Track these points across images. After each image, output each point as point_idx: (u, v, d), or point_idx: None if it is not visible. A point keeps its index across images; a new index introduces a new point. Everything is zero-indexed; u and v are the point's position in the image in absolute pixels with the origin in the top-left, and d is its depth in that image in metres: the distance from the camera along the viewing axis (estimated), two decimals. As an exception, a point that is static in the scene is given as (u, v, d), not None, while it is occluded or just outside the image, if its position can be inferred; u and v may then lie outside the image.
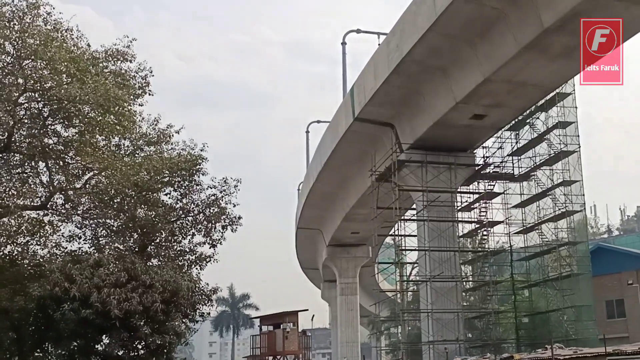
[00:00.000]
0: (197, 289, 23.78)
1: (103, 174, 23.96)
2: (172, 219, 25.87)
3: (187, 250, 26.59)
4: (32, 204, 25.66)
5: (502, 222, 36.80)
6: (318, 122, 57.80)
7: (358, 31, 46.50)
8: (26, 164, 25.21)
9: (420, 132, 34.77)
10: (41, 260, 25.72)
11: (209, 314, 25.27)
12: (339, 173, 44.80)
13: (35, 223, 26.35)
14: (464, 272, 36.52)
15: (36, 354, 23.51)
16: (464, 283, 35.42)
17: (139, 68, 25.48)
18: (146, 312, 21.24)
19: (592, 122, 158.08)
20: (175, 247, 26.47)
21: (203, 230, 25.90)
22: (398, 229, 37.02)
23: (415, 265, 57.37)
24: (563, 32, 25.87)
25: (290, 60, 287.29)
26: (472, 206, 38.11)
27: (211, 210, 25.83)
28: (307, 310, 50.66)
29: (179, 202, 26.27)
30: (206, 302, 24.44)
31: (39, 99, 23.53)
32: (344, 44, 46.09)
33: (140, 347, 22.16)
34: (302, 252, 66.24)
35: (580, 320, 33.28)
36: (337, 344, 57.00)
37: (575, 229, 34.94)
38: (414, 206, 38.57)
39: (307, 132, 59.98)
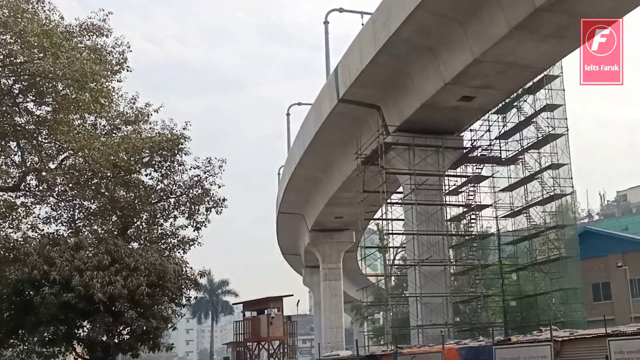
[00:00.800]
0: (183, 272, 22.94)
1: (80, 153, 22.81)
2: (154, 201, 24.90)
3: (169, 234, 25.68)
4: (5, 185, 24.53)
5: (490, 205, 36.37)
6: (299, 104, 56.96)
7: (341, 10, 45.56)
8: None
9: (407, 114, 34.12)
10: (15, 243, 24.61)
11: (195, 298, 24.41)
12: (322, 156, 44.05)
13: (7, 205, 25.22)
14: (451, 257, 36.00)
15: (12, 341, 22.50)
16: (452, 267, 34.93)
17: (115, 43, 24.33)
18: (131, 296, 20.42)
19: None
20: (157, 230, 25.53)
21: (186, 212, 24.99)
22: (385, 213, 36.31)
23: (400, 250, 57.35)
24: (555, 11, 25.33)
25: (264, 43, 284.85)
26: (460, 190, 37.63)
27: (194, 192, 24.90)
28: (292, 295, 50.12)
29: (160, 183, 25.29)
30: (192, 286, 23.59)
31: (10, 75, 22.29)
32: (326, 22, 45.17)
33: (125, 332, 21.34)
34: (284, 237, 65.50)
35: (569, 303, 33.02)
36: (321, 330, 56.50)
37: (563, 212, 34.59)
38: (401, 189, 38.03)
39: (288, 114, 59.12)
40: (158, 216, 25.03)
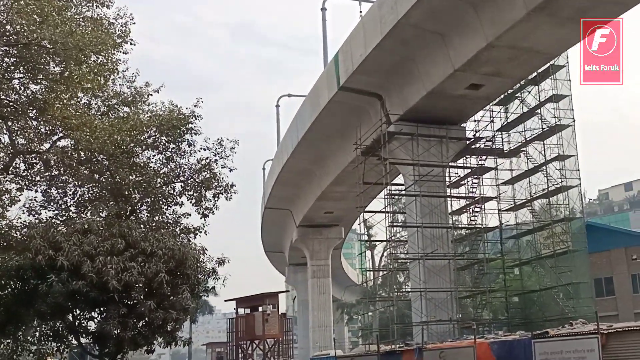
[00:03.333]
0: (203, 258, 21.28)
1: (78, 133, 21.00)
2: (157, 185, 23.15)
3: (171, 222, 24.01)
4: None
5: (495, 198, 35.38)
6: (289, 95, 55.73)
7: (337, -7, 44.18)
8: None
9: (411, 102, 33.03)
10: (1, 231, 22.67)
11: (213, 288, 22.71)
12: (317, 148, 42.76)
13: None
14: (454, 251, 34.93)
15: (10, 332, 20.44)
16: (455, 261, 33.87)
17: (117, 15, 22.74)
18: (148, 285, 18.72)
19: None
20: (158, 218, 23.84)
21: (193, 198, 23.34)
22: (387, 206, 35.09)
23: (394, 245, 56.32)
24: (576, -8, 24.51)
25: (235, 43, 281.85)
26: (461, 182, 36.65)
27: (203, 176, 23.26)
28: (288, 291, 48.63)
29: (164, 166, 23.61)
30: (211, 274, 21.89)
31: (1, 45, 20.49)
32: (323, 9, 43.85)
33: (140, 324, 19.56)
34: (268, 234, 63.99)
35: (577, 297, 32.20)
36: (308, 329, 55.09)
37: (570, 205, 33.79)
38: (399, 181, 36.93)
39: (277, 106, 57.65)
40: (161, 202, 23.33)
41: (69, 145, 22.84)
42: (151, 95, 24.85)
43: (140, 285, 18.43)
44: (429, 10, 27.85)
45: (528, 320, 34.45)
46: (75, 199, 23.82)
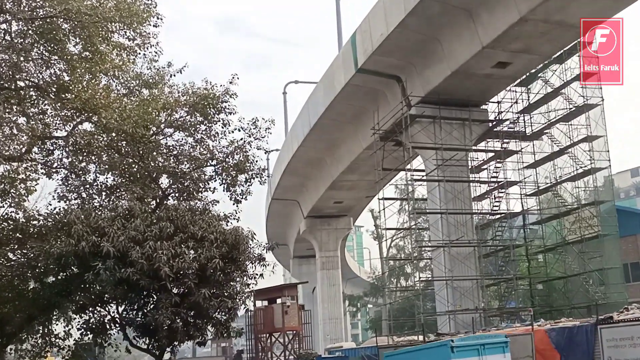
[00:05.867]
0: (252, 244, 19.84)
1: (106, 114, 19.48)
2: (188, 169, 21.64)
3: (200, 209, 22.42)
4: (10, 154, 21.17)
5: (519, 182, 34.18)
6: (296, 82, 54.17)
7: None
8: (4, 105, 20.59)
9: (434, 83, 31.82)
10: (19, 223, 21.19)
11: (262, 275, 21.13)
12: (330, 135, 41.43)
13: (8, 180, 21.81)
14: (479, 237, 33.77)
15: (50, 324, 18.94)
16: (479, 248, 32.70)
17: None
18: (202, 271, 17.31)
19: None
20: (184, 206, 22.28)
21: (225, 183, 21.83)
22: (410, 192, 33.83)
23: (400, 235, 55.17)
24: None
25: (222, 36, 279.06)
26: (483, 167, 35.46)
27: (236, 159, 21.78)
28: (307, 282, 47.25)
29: (193, 149, 22.10)
30: (259, 261, 20.49)
31: (22, 18, 18.88)
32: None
33: (191, 315, 18.07)
34: (273, 226, 62.49)
35: (608, 283, 31.05)
36: (319, 322, 53.79)
37: (601, 188, 32.59)
38: (418, 166, 35.72)
39: (285, 93, 56.17)
40: (191, 187, 21.78)
41: (93, 128, 21.30)
42: (174, 76, 23.33)
43: (193, 271, 17.04)
44: (458, -16, 26.70)
45: (553, 307, 33.37)
46: (97, 186, 22.27)
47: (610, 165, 31.80)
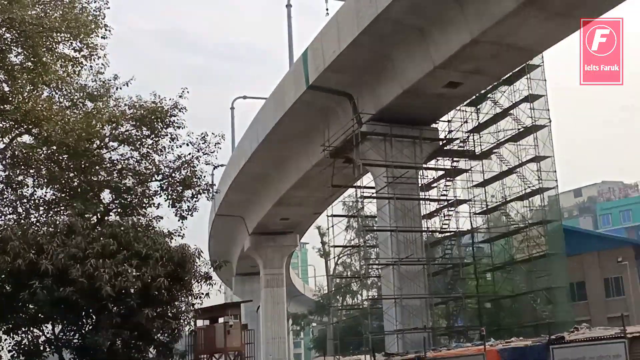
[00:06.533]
0: (198, 262, 19.10)
1: (48, 126, 18.55)
2: (129, 185, 20.81)
3: (144, 225, 21.56)
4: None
5: (469, 201, 34.44)
6: (244, 97, 53.65)
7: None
8: None
9: (385, 101, 31.79)
10: None
11: (207, 294, 20.42)
12: (278, 151, 40.93)
13: None
14: (429, 255, 33.77)
15: None
16: (429, 266, 32.66)
17: None
18: (145, 290, 16.51)
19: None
20: (128, 222, 21.37)
21: (171, 198, 21.10)
22: (359, 210, 33.63)
23: (347, 252, 54.94)
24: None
25: (163, 50, 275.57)
26: (433, 185, 35.59)
27: (183, 174, 21.14)
28: (251, 301, 46.30)
29: (138, 164, 21.31)
30: (206, 280, 19.78)
31: None
32: (289, 6, 42.21)
33: (133, 336, 17.17)
34: (217, 243, 61.24)
35: (556, 302, 31.43)
36: (261, 342, 52.71)
37: (548, 207, 33.08)
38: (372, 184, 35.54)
39: (232, 108, 55.46)
40: (134, 203, 20.98)
41: (33, 140, 20.31)
42: (120, 89, 22.52)
43: (136, 290, 16.25)
44: (411, 4, 26.80)
45: (501, 326, 33.60)
46: (35, 200, 21.17)
47: (557, 186, 32.42)
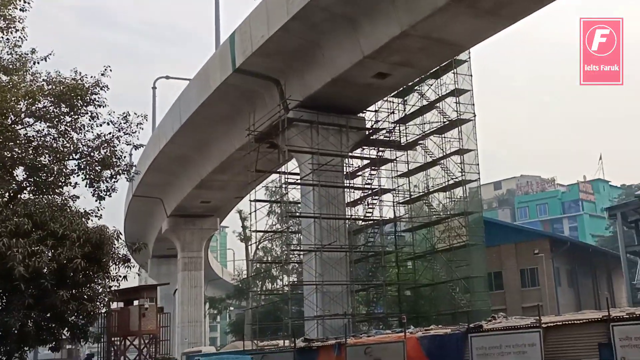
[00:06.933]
0: (117, 244, 18.52)
1: None
2: (45, 162, 19.87)
3: (59, 204, 20.66)
4: None
5: (393, 190, 34.86)
6: (167, 77, 52.30)
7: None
8: None
9: (313, 89, 31.59)
10: None
11: (125, 277, 19.88)
12: (201, 133, 40.12)
13: None
14: (351, 243, 34.05)
15: None
16: (351, 254, 32.94)
17: None
18: (60, 272, 15.82)
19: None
20: (44, 201, 20.44)
21: (88, 177, 20.28)
22: (283, 195, 33.50)
23: (268, 237, 54.63)
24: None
25: (83, 26, 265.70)
26: (358, 173, 35.83)
27: (103, 153, 20.39)
28: (169, 284, 45.34)
29: (55, 141, 20.35)
30: (124, 262, 19.21)
31: None
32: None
33: (47, 317, 16.52)
34: (132, 224, 59.72)
35: (474, 291, 32.35)
36: (177, 325, 52.01)
37: (469, 199, 33.90)
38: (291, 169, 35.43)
39: (154, 88, 53.96)
40: (50, 182, 20.00)
41: None
42: (38, 63, 21.36)
43: (51, 272, 15.61)
44: (344, -8, 26.62)
45: (420, 314, 34.33)
46: None
47: (479, 178, 33.23)
